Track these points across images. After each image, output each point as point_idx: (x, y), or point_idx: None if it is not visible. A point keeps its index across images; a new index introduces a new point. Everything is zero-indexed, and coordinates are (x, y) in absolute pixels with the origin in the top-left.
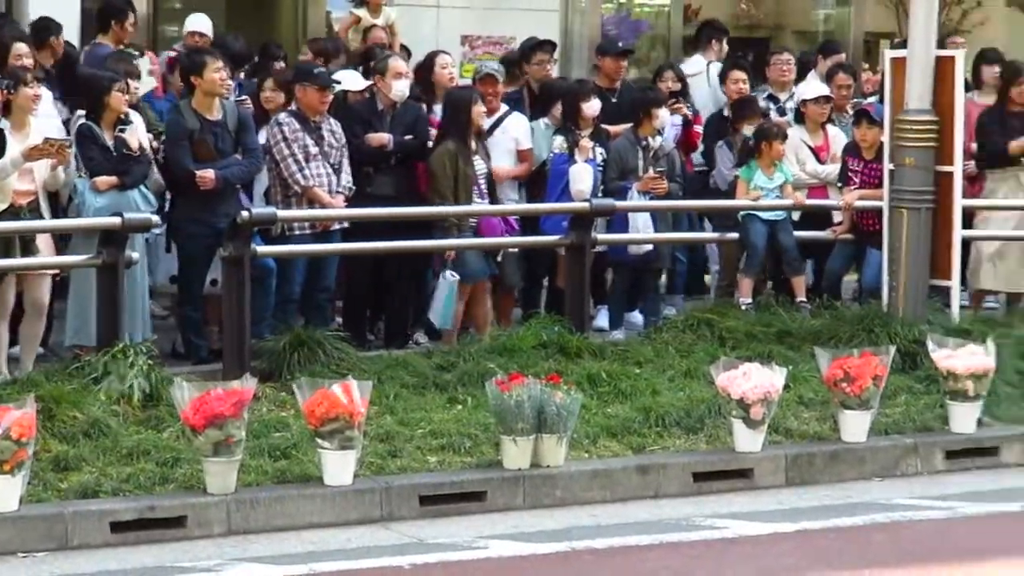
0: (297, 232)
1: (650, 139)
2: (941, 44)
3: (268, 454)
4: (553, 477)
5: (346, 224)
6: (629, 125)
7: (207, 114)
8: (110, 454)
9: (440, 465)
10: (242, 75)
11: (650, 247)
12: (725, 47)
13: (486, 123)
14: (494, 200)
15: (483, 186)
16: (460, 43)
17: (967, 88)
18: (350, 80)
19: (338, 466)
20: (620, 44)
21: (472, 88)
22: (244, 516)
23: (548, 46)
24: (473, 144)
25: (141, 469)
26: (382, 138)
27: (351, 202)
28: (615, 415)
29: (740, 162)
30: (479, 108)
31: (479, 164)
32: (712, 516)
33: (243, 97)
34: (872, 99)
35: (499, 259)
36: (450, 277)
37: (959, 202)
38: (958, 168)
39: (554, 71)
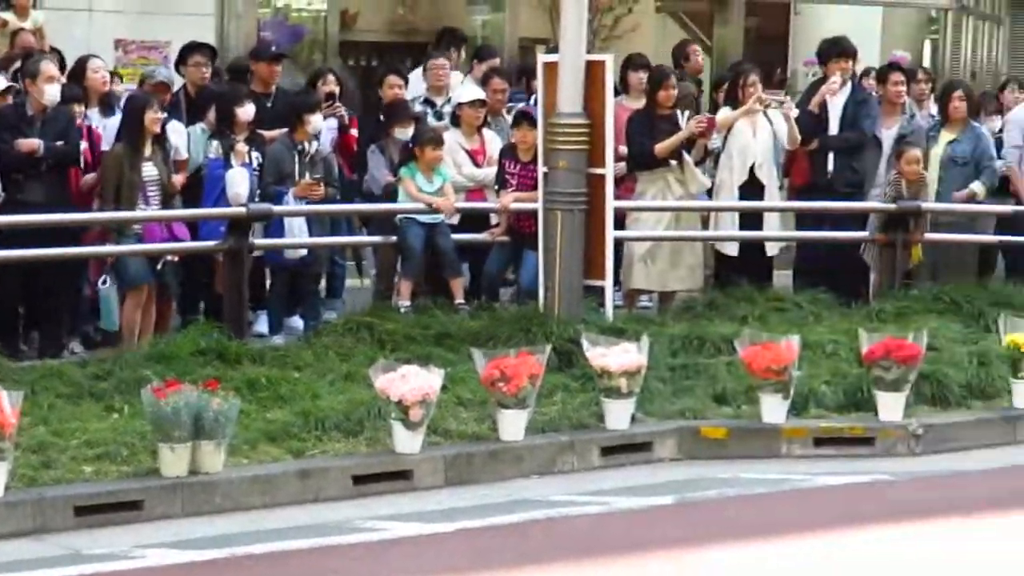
0: None
1: (306, 144)
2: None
3: None
4: (212, 484)
5: None
6: (285, 130)
7: None
8: None
9: (96, 475)
10: None
11: (305, 252)
12: (463, 55)
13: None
14: (167, 207)
15: (152, 193)
16: (114, 47)
17: (616, 93)
18: None
19: None
20: (273, 48)
21: (149, 93)
22: None
23: (206, 49)
24: (148, 150)
25: None
26: (32, 143)
27: (0, 209)
28: (275, 420)
29: (399, 166)
30: (153, 114)
31: (150, 170)
32: (373, 518)
33: None
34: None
35: (159, 266)
36: (104, 284)
37: (611, 204)
38: (610, 170)
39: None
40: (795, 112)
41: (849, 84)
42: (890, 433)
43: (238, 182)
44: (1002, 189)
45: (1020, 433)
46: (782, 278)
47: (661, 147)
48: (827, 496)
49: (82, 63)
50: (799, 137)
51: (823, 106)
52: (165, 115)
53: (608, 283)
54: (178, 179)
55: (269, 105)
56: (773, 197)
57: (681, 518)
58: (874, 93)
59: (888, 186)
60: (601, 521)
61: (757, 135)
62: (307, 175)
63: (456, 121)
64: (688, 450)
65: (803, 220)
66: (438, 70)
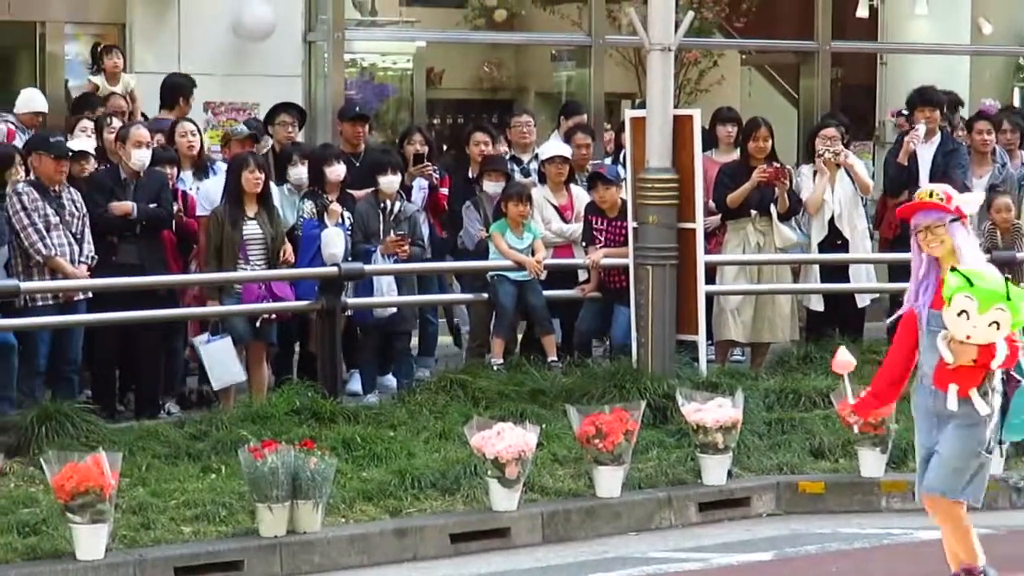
0: (40, 303)
1: (388, 202)
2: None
3: (17, 531)
4: (310, 543)
5: (91, 294)
6: (372, 189)
7: None
8: None
9: (195, 535)
10: None
11: (395, 310)
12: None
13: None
14: (272, 266)
15: (255, 252)
16: (203, 110)
17: (705, 147)
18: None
19: (90, 540)
20: (357, 109)
21: (248, 153)
22: None
23: (293, 110)
24: (252, 209)
25: None
26: (126, 207)
27: (95, 271)
28: (371, 479)
29: (493, 221)
30: (249, 173)
31: (253, 229)
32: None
33: None
34: (607, 160)
35: (258, 324)
36: (201, 342)
37: (702, 258)
38: (699, 224)
39: (298, 136)
40: (855, 161)
41: (939, 134)
42: (990, 486)
43: (334, 242)
44: None
45: None
46: (873, 330)
47: (731, 197)
48: (927, 551)
49: (171, 128)
50: (870, 184)
51: (913, 157)
52: (263, 175)
53: (701, 337)
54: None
55: (357, 165)
56: (858, 248)
57: (780, 574)
58: (963, 143)
59: (982, 236)
60: None
61: (835, 187)
62: (392, 233)
63: (543, 177)
64: (786, 505)
65: (896, 272)
66: (521, 127)
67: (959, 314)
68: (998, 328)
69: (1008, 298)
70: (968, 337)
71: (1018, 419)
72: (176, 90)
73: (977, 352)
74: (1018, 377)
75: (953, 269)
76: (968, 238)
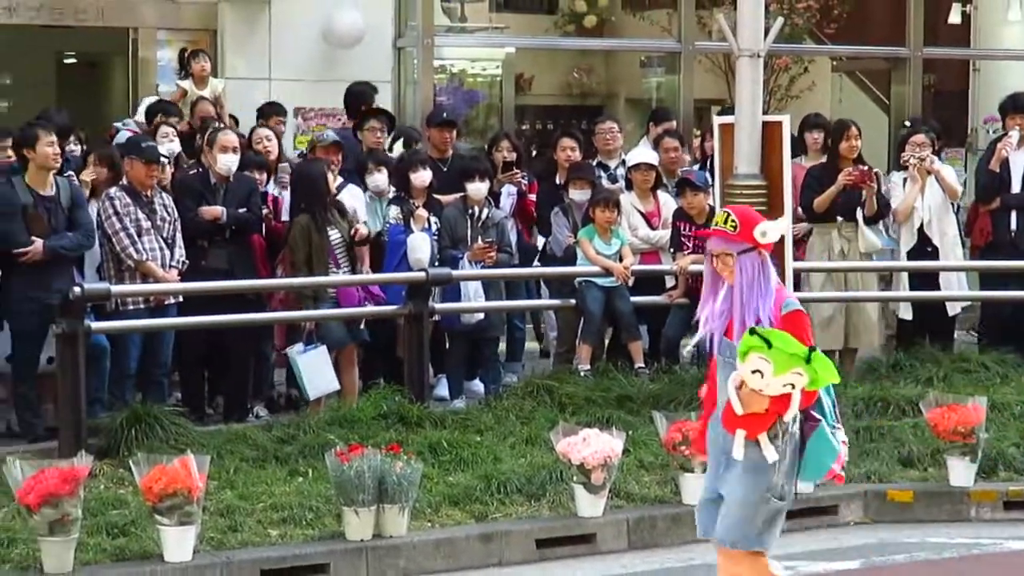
0: (131, 307)
1: (476, 208)
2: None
3: (106, 531)
4: (396, 547)
5: (181, 298)
6: (460, 195)
7: (40, 189)
8: None
9: (282, 538)
10: (74, 147)
11: (482, 315)
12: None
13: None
14: (356, 267)
15: (341, 255)
16: (293, 115)
17: (793, 153)
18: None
19: (178, 542)
20: (445, 115)
21: (321, 160)
22: None
23: (382, 115)
24: (331, 214)
25: None
26: (215, 211)
27: (185, 276)
28: (457, 483)
29: (581, 227)
30: (332, 178)
31: (336, 234)
32: None
33: (69, 173)
34: (695, 167)
35: (362, 326)
36: (296, 352)
37: (790, 264)
38: (788, 231)
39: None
40: (942, 166)
41: None
42: None
43: (419, 247)
44: None
45: None
46: (963, 338)
47: (818, 201)
48: (1017, 561)
49: (249, 134)
50: (958, 189)
51: (1005, 163)
52: (340, 180)
53: None
54: (361, 229)
55: (445, 170)
56: (948, 256)
57: None
58: None
59: None
60: None
61: (925, 194)
62: (479, 239)
63: (630, 184)
64: (874, 513)
65: (987, 279)
66: (605, 133)
67: (753, 372)
68: (793, 388)
69: (808, 362)
70: (760, 391)
71: (815, 461)
72: (359, 98)
73: (770, 401)
74: (817, 416)
75: (752, 331)
76: (759, 275)
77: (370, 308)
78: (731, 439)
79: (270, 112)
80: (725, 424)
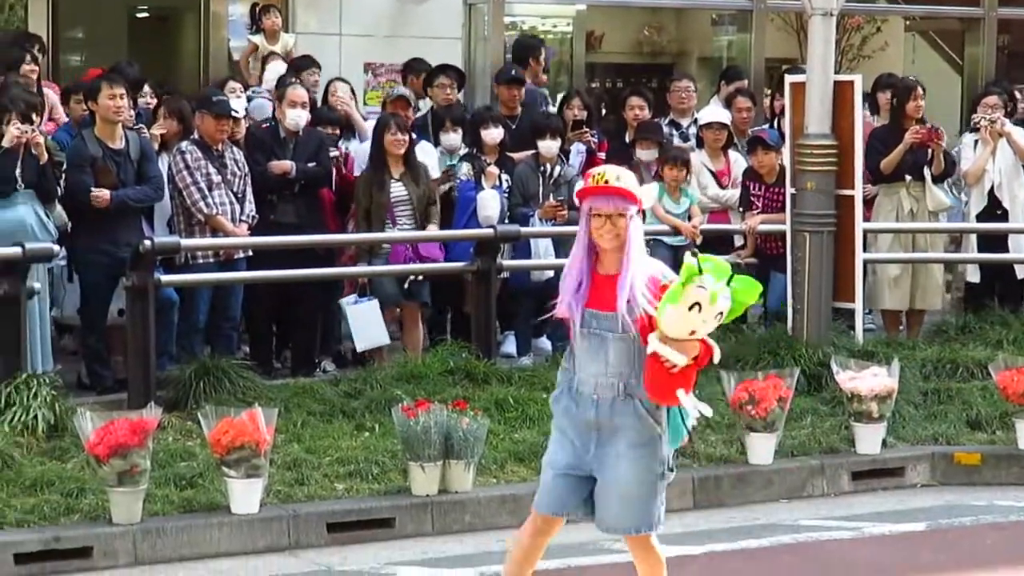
0: (201, 261)
1: (548, 166)
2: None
3: (174, 483)
4: (462, 503)
5: (250, 252)
6: (532, 152)
7: (109, 142)
8: (13, 485)
9: (348, 492)
10: (147, 100)
11: (551, 274)
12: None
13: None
14: (421, 226)
15: (403, 213)
16: (363, 71)
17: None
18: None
19: (245, 494)
20: (513, 72)
21: (388, 114)
22: (151, 546)
23: (452, 71)
24: (397, 171)
25: (45, 500)
26: (284, 165)
27: (254, 230)
28: (522, 440)
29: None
30: (391, 135)
31: (399, 190)
32: (618, 540)
33: (139, 125)
34: (765, 125)
35: (406, 285)
36: (348, 303)
37: (860, 225)
38: (858, 192)
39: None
40: (1013, 128)
41: None
42: None
43: (489, 204)
44: None
45: None
46: None
47: (885, 162)
48: None
49: (325, 88)
50: None
51: None
52: (406, 136)
53: (858, 305)
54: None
55: (514, 127)
56: (1018, 218)
57: (934, 545)
58: None
59: None
60: (852, 546)
61: (996, 156)
62: (551, 197)
63: (701, 142)
64: (941, 476)
65: None
66: (680, 92)
67: (691, 308)
68: (721, 317)
69: (728, 283)
70: (693, 332)
71: (675, 425)
72: (527, 50)
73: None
74: None
75: (694, 254)
76: (640, 234)
77: (434, 265)
78: (607, 408)
79: (303, 65)
80: (656, 394)
